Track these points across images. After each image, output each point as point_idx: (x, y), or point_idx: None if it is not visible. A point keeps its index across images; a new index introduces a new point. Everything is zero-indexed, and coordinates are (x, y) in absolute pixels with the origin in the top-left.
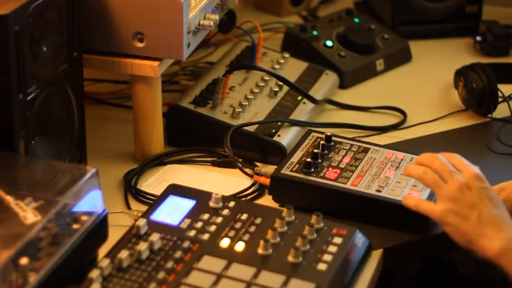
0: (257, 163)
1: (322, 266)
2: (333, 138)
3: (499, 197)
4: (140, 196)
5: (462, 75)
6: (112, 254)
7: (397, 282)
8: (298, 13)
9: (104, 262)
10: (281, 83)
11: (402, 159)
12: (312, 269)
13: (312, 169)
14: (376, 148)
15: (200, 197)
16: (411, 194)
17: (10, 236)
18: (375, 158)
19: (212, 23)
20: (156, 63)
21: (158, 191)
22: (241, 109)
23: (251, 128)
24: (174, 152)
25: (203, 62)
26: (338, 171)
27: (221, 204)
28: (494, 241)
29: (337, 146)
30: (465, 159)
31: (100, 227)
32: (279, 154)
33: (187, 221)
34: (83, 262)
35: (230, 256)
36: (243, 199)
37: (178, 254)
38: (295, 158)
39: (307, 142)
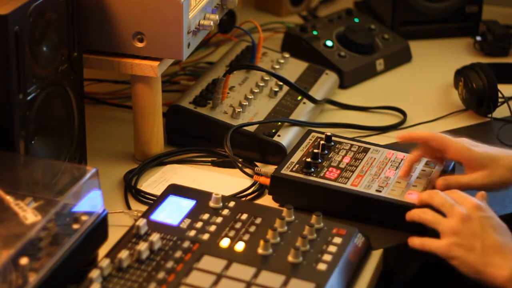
0: (257, 163)
1: (322, 266)
2: (333, 138)
3: (503, 224)
4: (140, 196)
5: (462, 75)
6: (112, 254)
7: (397, 282)
8: (298, 13)
9: (104, 262)
10: (281, 83)
11: (402, 159)
12: (312, 269)
13: (312, 169)
14: (376, 148)
15: (200, 197)
16: (411, 194)
17: (10, 236)
18: (375, 158)
19: (212, 23)
20: (156, 63)
21: (158, 191)
22: (241, 109)
23: (251, 128)
24: (174, 152)
25: (203, 62)
26: (338, 171)
27: (221, 204)
28: (503, 269)
29: (337, 146)
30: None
31: (100, 227)
32: (279, 154)
33: (187, 221)
34: (83, 262)
35: (230, 256)
36: (243, 199)
37: (178, 254)
38: (295, 158)
39: (307, 142)
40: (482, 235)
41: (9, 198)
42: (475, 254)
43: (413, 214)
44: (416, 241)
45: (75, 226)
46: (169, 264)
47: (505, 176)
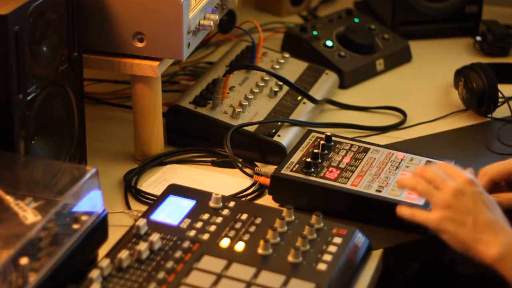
0: (257, 163)
1: (322, 266)
2: (333, 138)
3: (494, 200)
4: (140, 196)
5: (462, 75)
6: (112, 254)
7: (397, 282)
8: (298, 13)
9: (104, 262)
10: (281, 83)
11: (402, 159)
12: (312, 269)
13: (312, 169)
14: (376, 148)
15: (200, 197)
16: (411, 194)
17: (10, 236)
18: (375, 158)
19: (212, 23)
20: (156, 63)
21: (158, 191)
22: (241, 109)
23: (251, 128)
24: (174, 152)
25: (203, 62)
26: (338, 171)
27: (221, 204)
28: (492, 246)
29: (337, 146)
30: (458, 166)
31: (100, 227)
32: (279, 154)
33: (187, 221)
34: (83, 262)
35: (230, 256)
36: (243, 199)
37: (178, 254)
38: (295, 158)
39: (307, 142)
40: (474, 211)
41: (9, 198)
42: (466, 229)
43: (406, 183)
44: (406, 211)
45: (75, 226)
46: (169, 264)
47: None
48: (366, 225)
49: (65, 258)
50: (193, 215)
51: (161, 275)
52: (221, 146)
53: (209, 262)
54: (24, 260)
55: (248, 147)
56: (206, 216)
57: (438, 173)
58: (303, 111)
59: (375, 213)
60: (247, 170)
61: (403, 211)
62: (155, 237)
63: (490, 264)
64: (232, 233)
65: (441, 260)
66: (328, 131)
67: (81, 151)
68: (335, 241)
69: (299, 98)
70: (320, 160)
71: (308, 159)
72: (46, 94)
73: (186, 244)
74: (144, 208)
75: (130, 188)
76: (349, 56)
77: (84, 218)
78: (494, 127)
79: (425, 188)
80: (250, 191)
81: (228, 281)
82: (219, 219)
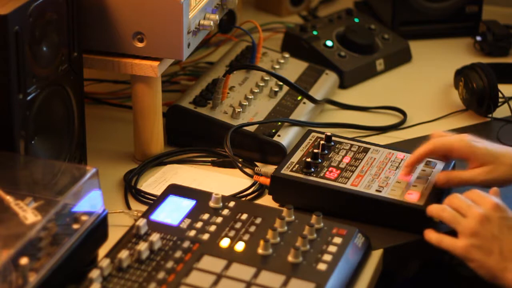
0: (257, 163)
1: (322, 266)
2: (333, 138)
3: None
4: (140, 196)
5: (462, 75)
6: (112, 254)
7: (397, 282)
8: (298, 13)
9: (104, 262)
10: (281, 83)
11: (402, 159)
12: (312, 269)
13: (312, 169)
14: (376, 148)
15: (200, 197)
16: (411, 194)
17: (10, 236)
18: (375, 158)
19: (212, 23)
20: (156, 63)
21: (158, 191)
22: (241, 109)
23: (251, 128)
24: (174, 152)
25: (203, 62)
26: (338, 171)
27: (221, 204)
28: None
29: (337, 146)
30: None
31: (100, 227)
32: (279, 154)
33: (187, 221)
34: (83, 262)
35: (230, 256)
36: (243, 199)
37: (178, 254)
38: (295, 158)
39: (307, 142)
40: (500, 238)
41: (9, 198)
42: (493, 258)
43: (432, 211)
44: (433, 236)
45: (75, 226)
46: (169, 264)
47: (507, 173)
48: (366, 225)
49: (65, 258)
50: (193, 215)
51: (161, 275)
52: (221, 146)
53: (209, 262)
54: (24, 260)
55: (248, 147)
56: (206, 216)
57: (464, 200)
58: (303, 111)
59: (375, 213)
60: (247, 170)
61: (430, 237)
62: (155, 237)
63: None
64: (232, 233)
65: (441, 260)
66: (328, 131)
67: (81, 151)
68: (335, 241)
69: (299, 98)
70: (320, 160)
71: (308, 159)
72: (46, 94)
73: (186, 244)
74: (144, 208)
75: (130, 188)
76: (349, 56)
77: (84, 218)
78: (494, 127)
79: (451, 215)
80: (250, 191)
81: (228, 281)
82: (219, 219)
